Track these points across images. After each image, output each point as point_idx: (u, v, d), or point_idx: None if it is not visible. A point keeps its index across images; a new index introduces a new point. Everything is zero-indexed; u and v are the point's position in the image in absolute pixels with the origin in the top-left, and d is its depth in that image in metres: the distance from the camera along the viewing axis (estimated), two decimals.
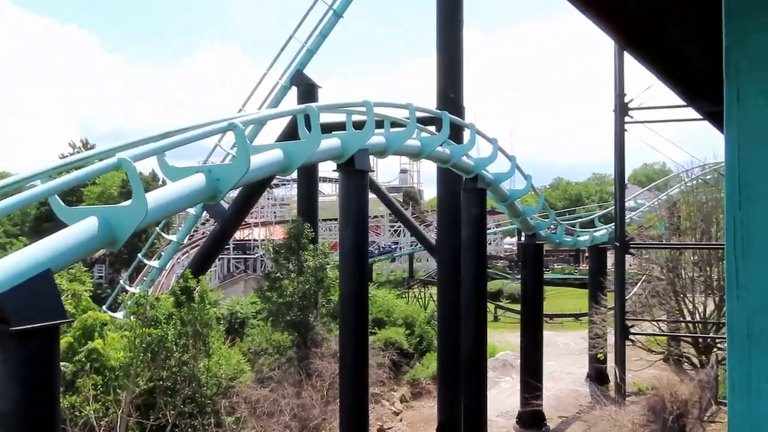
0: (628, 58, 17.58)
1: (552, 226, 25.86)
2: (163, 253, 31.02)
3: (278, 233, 41.93)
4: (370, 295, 27.46)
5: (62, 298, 15.60)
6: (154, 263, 30.14)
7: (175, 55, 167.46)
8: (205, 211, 29.03)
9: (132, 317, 15.84)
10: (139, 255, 30.36)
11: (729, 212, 1.45)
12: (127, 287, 29.81)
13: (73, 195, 45.06)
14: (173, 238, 29.29)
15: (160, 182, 43.02)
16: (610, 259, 27.76)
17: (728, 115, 1.51)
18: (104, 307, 26.80)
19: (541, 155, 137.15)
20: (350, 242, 13.51)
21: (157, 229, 29.85)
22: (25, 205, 7.37)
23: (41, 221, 41.71)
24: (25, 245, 7.93)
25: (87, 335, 14.87)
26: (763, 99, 1.44)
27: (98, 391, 14.22)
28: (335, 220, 46.25)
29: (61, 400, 12.92)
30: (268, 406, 17.74)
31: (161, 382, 15.17)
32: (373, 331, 26.58)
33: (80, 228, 7.14)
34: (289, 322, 20.54)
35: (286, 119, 22.42)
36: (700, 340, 21.55)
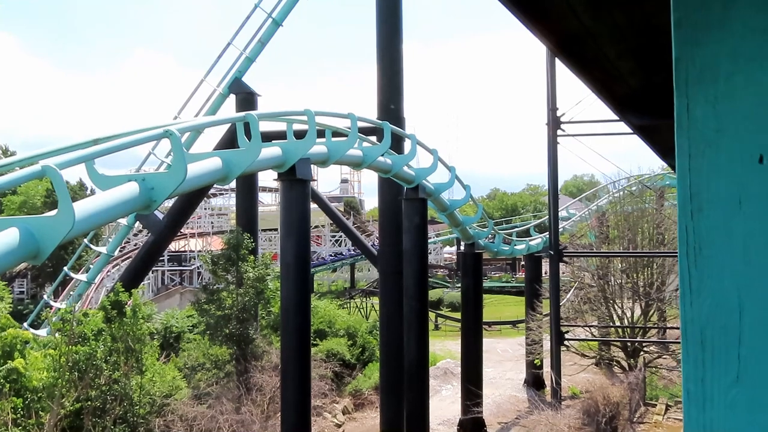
0: (560, 74, 18.28)
1: (490, 236, 26.38)
2: (91, 266, 29.64)
3: (216, 244, 40.96)
4: (311, 306, 27.20)
5: None
6: (81, 277, 28.75)
7: (105, 61, 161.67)
8: (137, 222, 28.00)
9: (57, 334, 15.03)
10: (65, 268, 28.90)
11: (681, 221, 1.45)
12: (52, 303, 28.30)
13: None
14: (103, 250, 28.04)
15: (89, 191, 41.31)
16: (545, 266, 28.59)
17: (678, 125, 1.51)
18: (26, 324, 25.34)
19: (479, 166, 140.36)
20: (292, 252, 13.34)
21: (86, 240, 28.54)
22: None
23: None
24: None
25: (6, 354, 13.97)
26: (711, 109, 1.45)
27: (18, 415, 13.38)
28: (276, 230, 45.62)
29: None
30: (206, 423, 17.20)
31: (89, 403, 14.47)
32: (314, 342, 26.27)
33: None
34: (228, 336, 20.05)
35: (224, 127, 21.98)
36: (629, 344, 22.42)
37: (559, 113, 17.91)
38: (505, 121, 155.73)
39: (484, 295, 35.50)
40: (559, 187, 28.76)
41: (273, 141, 13.68)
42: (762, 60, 1.35)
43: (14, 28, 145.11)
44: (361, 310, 44.75)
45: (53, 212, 7.24)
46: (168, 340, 23.84)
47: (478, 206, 22.52)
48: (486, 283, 48.75)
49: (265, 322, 21.73)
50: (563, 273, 26.13)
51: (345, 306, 42.77)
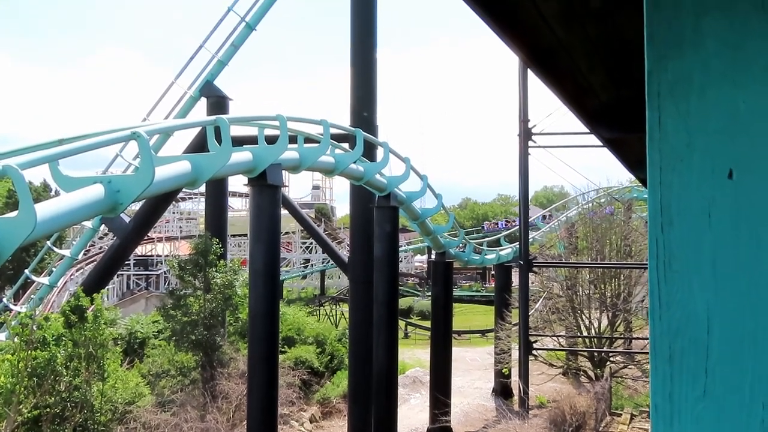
0: (532, 86, 18.54)
1: (461, 245, 26.52)
2: (54, 269, 28.88)
3: (184, 249, 40.36)
4: (280, 312, 26.94)
5: None
6: (43, 280, 27.97)
7: (71, 58, 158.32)
8: (103, 225, 27.41)
9: (16, 339, 14.58)
10: (27, 271, 28.09)
11: (652, 234, 1.46)
12: (12, 306, 27.48)
13: None
14: (66, 252, 27.35)
15: (53, 193, 40.34)
16: (515, 276, 28.88)
17: (650, 138, 1.52)
18: None
19: (450, 175, 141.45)
20: (261, 258, 13.21)
21: (48, 243, 27.82)
22: None
23: None
24: None
25: None
26: (682, 123, 1.46)
27: None
28: (245, 235, 45.13)
29: None
30: (170, 431, 16.88)
31: (48, 409, 14.05)
32: (283, 349, 26.01)
33: None
34: (194, 342, 19.72)
35: (194, 131, 21.69)
36: (596, 354, 22.72)
37: (530, 125, 18.14)
38: (477, 131, 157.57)
39: (454, 304, 35.61)
40: (530, 197, 29.09)
41: (244, 146, 13.54)
42: (733, 75, 1.36)
43: None
44: (331, 317, 44.52)
45: (14, 213, 7.03)
46: (132, 345, 23.37)
47: (450, 215, 22.63)
48: (456, 292, 48.98)
49: (233, 329, 21.45)
50: (533, 283, 26.42)
51: (314, 313, 42.51)
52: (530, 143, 18.09)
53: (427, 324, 30.25)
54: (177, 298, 20.41)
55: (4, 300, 29.57)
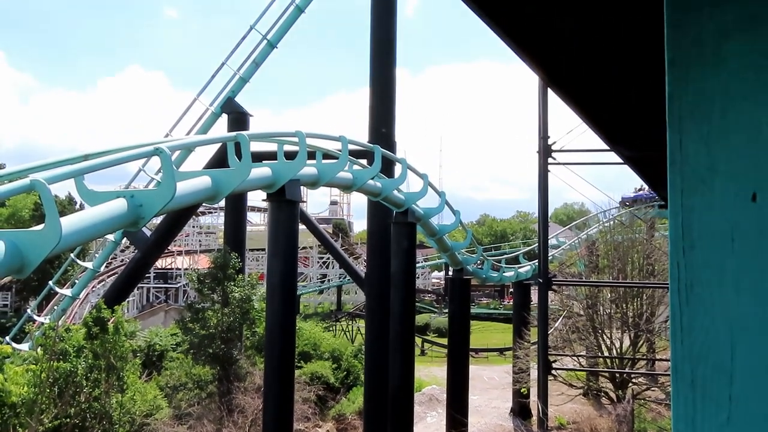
0: (552, 102, 18.49)
1: (479, 262, 26.38)
2: (77, 281, 29.29)
3: (203, 262, 40.67)
4: (297, 327, 26.93)
5: None
6: (66, 292, 28.39)
7: (92, 76, 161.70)
8: (125, 238, 27.78)
9: (39, 349, 14.78)
10: (50, 282, 28.55)
11: (673, 257, 1.44)
12: (35, 317, 27.89)
13: None
14: (89, 265, 27.77)
15: (78, 206, 40.93)
16: (534, 294, 28.59)
17: (671, 162, 1.51)
18: (8, 338, 24.96)
19: (468, 191, 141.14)
20: (278, 273, 13.24)
21: (72, 255, 28.25)
22: None
23: None
24: None
25: None
26: (703, 146, 1.45)
27: None
28: (263, 250, 45.34)
29: None
30: None
31: (69, 420, 14.20)
32: (299, 364, 25.96)
33: None
34: (212, 355, 19.82)
35: (215, 147, 21.95)
36: (617, 374, 22.32)
37: (550, 141, 18.06)
38: (497, 148, 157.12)
39: (472, 322, 35.33)
40: (550, 214, 28.87)
41: (264, 161, 13.66)
42: (755, 97, 1.35)
43: (2, 43, 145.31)
44: (347, 333, 44.42)
45: (40, 226, 7.16)
46: (151, 358, 23.53)
47: (468, 232, 22.57)
48: (474, 310, 48.59)
49: (250, 343, 21.49)
50: (552, 301, 26.12)
51: (331, 329, 42.45)
52: (550, 160, 18.00)
53: (444, 341, 30.00)
54: (195, 311, 20.58)
55: (29, 311, 30.01)
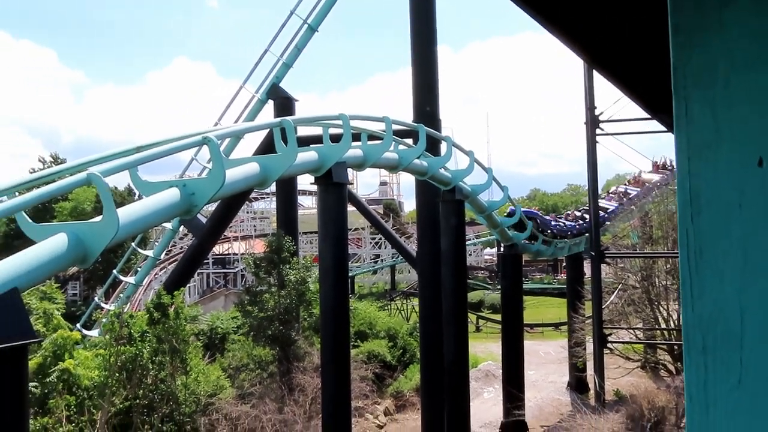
0: (598, 74, 17.85)
1: (530, 236, 26.04)
2: (139, 269, 30.55)
3: (258, 247, 41.63)
4: (352, 307, 27.37)
5: (32, 317, 15.35)
6: (130, 279, 29.68)
7: (140, 70, 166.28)
8: (182, 226, 28.73)
9: (106, 335, 15.58)
10: (114, 271, 29.89)
11: (681, 224, 1.45)
12: (102, 304, 29.29)
13: (46, 212, 44.28)
14: (150, 253, 28.89)
15: (137, 197, 42.49)
16: (588, 268, 28.11)
17: (677, 128, 1.52)
18: (78, 325, 26.29)
19: (517, 166, 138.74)
20: (330, 255, 13.44)
21: (133, 244, 29.46)
22: None
23: (11, 238, 40.78)
24: None
25: (58, 355, 14.56)
26: (709, 112, 1.45)
27: (71, 412, 13.91)
28: (315, 233, 46.08)
29: (32, 422, 12.65)
30: (250, 422, 17.52)
31: (138, 401, 14.91)
32: (355, 344, 26.42)
33: (49, 245, 6.98)
34: (271, 337, 20.35)
35: (265, 132, 22.35)
36: (675, 347, 21.80)
37: (597, 112, 17.57)
38: (544, 121, 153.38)
39: (526, 297, 35.00)
40: (601, 186, 28.18)
41: (310, 145, 13.85)
42: (759, 63, 1.34)
43: (53, 42, 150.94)
44: (402, 311, 44.78)
45: (99, 218, 7.54)
46: (214, 341, 24.32)
47: (516, 207, 22.28)
48: (527, 285, 48.05)
49: (307, 324, 21.95)
50: (606, 274, 25.59)
51: (386, 308, 42.89)
52: (598, 131, 17.53)
53: (499, 317, 29.90)
54: (253, 294, 21.14)
55: (96, 299, 31.56)
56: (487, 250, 64.53)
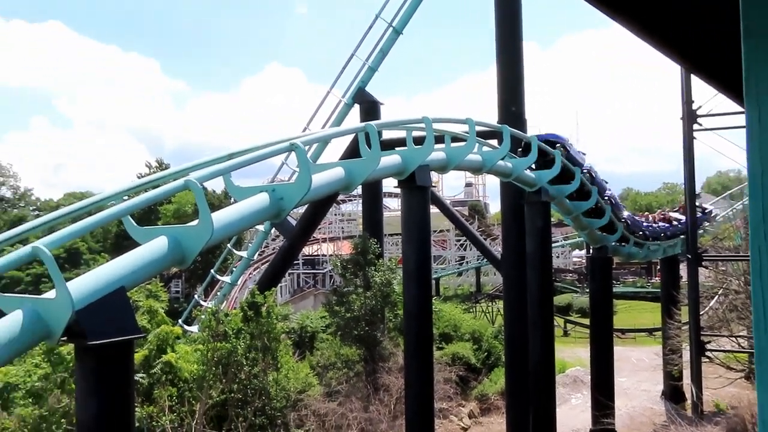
0: None
1: (621, 238, 25.00)
2: (234, 269, 32.06)
3: (346, 248, 42.53)
4: (436, 309, 27.39)
5: (139, 313, 16.49)
6: (226, 279, 31.22)
7: (235, 77, 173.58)
8: (273, 228, 29.85)
9: (204, 331, 16.48)
10: (212, 271, 31.51)
11: (753, 242, 1.41)
12: (201, 302, 30.97)
13: (152, 212, 47.46)
14: (244, 254, 30.24)
15: (232, 200, 44.55)
16: (684, 271, 26.62)
17: (750, 137, 1.48)
18: (180, 321, 27.94)
19: (608, 165, 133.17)
20: (414, 257, 13.53)
21: (229, 245, 30.93)
22: (102, 224, 7.85)
23: (121, 238, 44.06)
24: (107, 261, 8.46)
25: (161, 348, 15.56)
26: None
27: (173, 402, 14.83)
28: (401, 234, 46.41)
29: (138, 410, 13.62)
30: (336, 419, 17.97)
31: (232, 395, 15.64)
32: (440, 345, 26.44)
33: (151, 247, 7.54)
34: (357, 337, 20.76)
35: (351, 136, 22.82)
36: None
37: (694, 106, 16.63)
38: (636, 117, 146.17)
39: (618, 301, 33.66)
40: (700, 184, 26.60)
41: (395, 148, 14.03)
42: None
43: (157, 53, 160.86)
44: (487, 314, 44.28)
45: (195, 222, 8.04)
46: (304, 339, 25.07)
47: (606, 208, 21.47)
48: (618, 288, 46.15)
49: (392, 325, 22.21)
50: (706, 278, 24.14)
51: (471, 310, 42.56)
52: (695, 126, 16.58)
53: (588, 321, 28.93)
54: (340, 295, 21.65)
55: (195, 296, 33.42)
56: (576, 251, 62.52)
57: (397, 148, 14.04)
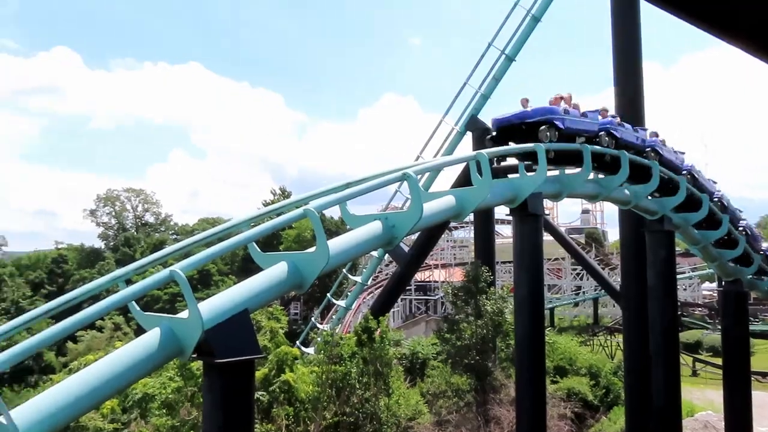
0: None
1: (759, 271, 22.89)
2: (349, 293, 33.00)
3: (457, 275, 42.32)
4: (550, 341, 26.47)
5: (260, 334, 17.44)
6: (341, 303, 32.19)
7: (353, 108, 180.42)
8: (387, 254, 30.46)
9: (320, 353, 17.09)
10: (328, 295, 32.63)
11: None
12: (318, 325, 32.12)
13: (274, 237, 50.24)
14: (358, 279, 31.07)
15: (348, 227, 46.00)
16: None
17: None
18: (298, 342, 29.11)
19: (743, 190, 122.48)
20: (525, 286, 13.28)
21: (344, 270, 31.91)
22: (231, 249, 8.53)
23: (247, 261, 46.94)
24: (234, 283, 9.18)
25: (279, 368, 16.33)
26: None
27: (290, 421, 15.46)
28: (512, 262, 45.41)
29: (258, 427, 14.35)
30: None
31: (345, 417, 16.01)
32: (554, 379, 25.48)
33: (272, 272, 8.09)
34: (468, 366, 20.54)
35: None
36: None
37: None
38: None
39: (757, 341, 30.64)
40: None
41: (508, 175, 13.95)
42: None
43: (280, 87, 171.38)
44: (605, 348, 41.98)
45: (313, 248, 8.54)
46: (414, 365, 25.16)
47: (739, 238, 19.84)
48: (757, 327, 42.05)
49: (504, 355, 21.76)
50: None
51: (587, 343, 40.61)
52: None
53: (720, 361, 26.60)
54: (451, 323, 21.58)
55: (312, 319, 34.72)
56: (706, 284, 57.83)
57: (509, 175, 13.95)
